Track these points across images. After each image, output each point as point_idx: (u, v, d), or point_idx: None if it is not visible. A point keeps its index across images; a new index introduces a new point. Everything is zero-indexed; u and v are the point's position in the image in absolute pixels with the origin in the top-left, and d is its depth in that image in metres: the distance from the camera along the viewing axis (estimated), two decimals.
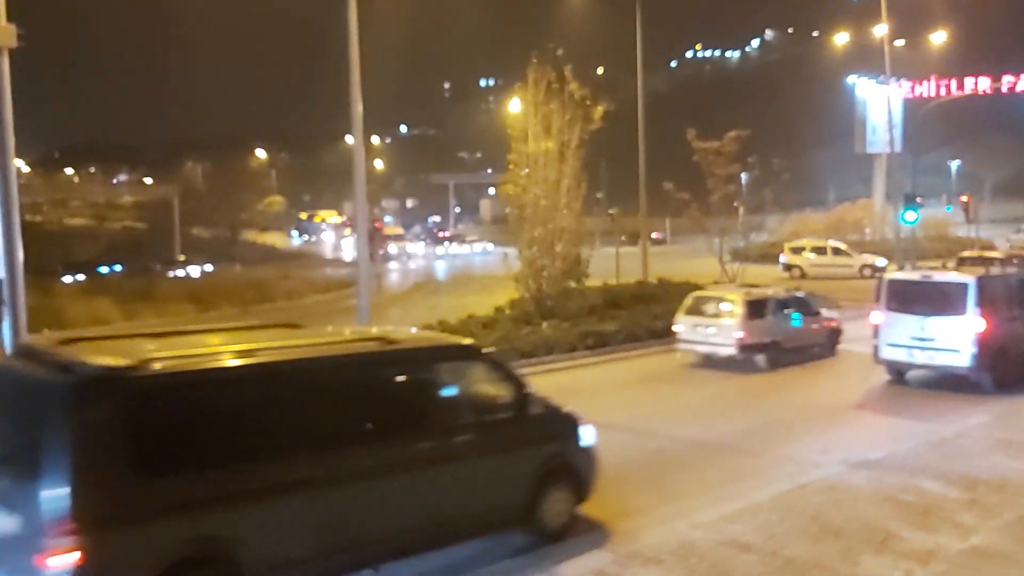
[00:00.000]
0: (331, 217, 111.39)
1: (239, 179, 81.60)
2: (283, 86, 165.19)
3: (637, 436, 13.54)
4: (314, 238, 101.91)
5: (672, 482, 11.35)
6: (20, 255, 14.54)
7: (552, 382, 14.88)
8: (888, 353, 17.34)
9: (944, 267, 24.09)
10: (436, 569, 8.73)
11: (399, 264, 67.54)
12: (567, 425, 9.73)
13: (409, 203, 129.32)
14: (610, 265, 33.04)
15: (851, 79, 70.64)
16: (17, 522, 6.95)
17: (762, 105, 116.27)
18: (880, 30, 39.72)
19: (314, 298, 42.70)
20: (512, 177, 23.96)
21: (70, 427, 6.80)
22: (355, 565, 8.07)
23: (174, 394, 7.35)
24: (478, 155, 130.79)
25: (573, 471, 9.60)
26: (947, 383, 16.98)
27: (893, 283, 17.75)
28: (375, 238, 44.96)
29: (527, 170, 23.55)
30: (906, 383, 17.70)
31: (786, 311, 20.14)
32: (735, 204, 33.71)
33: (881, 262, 43.25)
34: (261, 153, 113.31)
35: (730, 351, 19.12)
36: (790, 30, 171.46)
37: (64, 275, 49.81)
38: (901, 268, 19.33)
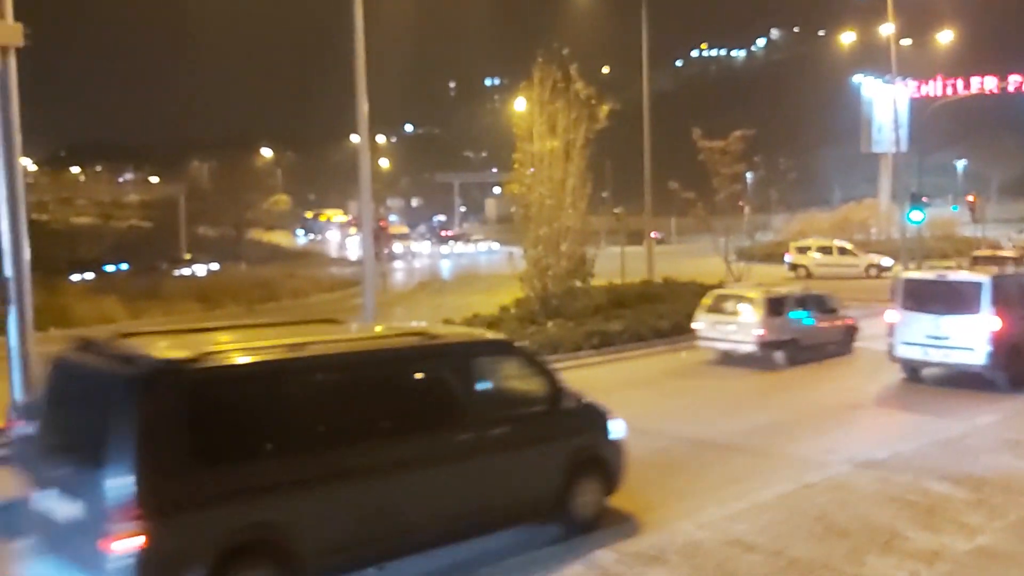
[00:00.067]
0: (336, 216, 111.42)
1: (245, 178, 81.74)
2: (289, 85, 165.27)
3: (643, 435, 13.48)
4: (319, 237, 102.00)
5: (678, 481, 11.35)
6: (27, 253, 14.54)
7: None
8: (903, 351, 17.56)
9: (958, 266, 24.18)
10: (439, 570, 8.74)
11: (404, 263, 67.56)
12: (597, 418, 10.00)
13: (414, 202, 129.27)
14: (615, 264, 33.01)
15: (857, 78, 70.57)
16: (80, 508, 7.25)
17: (768, 104, 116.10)
18: (886, 29, 39.59)
19: (319, 297, 42.76)
20: (517, 176, 23.96)
21: (136, 417, 7.08)
22: (398, 552, 8.37)
23: (231, 386, 7.70)
24: (483, 154, 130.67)
25: (603, 463, 9.86)
26: (962, 381, 17.10)
27: (908, 282, 18.05)
28: (380, 237, 44.89)
29: (532, 169, 23.55)
30: (921, 381, 17.85)
31: (801, 309, 20.39)
32: (740, 203, 33.70)
33: (887, 262, 43.19)
34: (267, 152, 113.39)
35: (750, 348, 19.55)
36: (796, 29, 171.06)
37: (72, 273, 49.95)
38: (918, 267, 19.67)
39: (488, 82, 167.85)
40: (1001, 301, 16.58)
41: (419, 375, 9.01)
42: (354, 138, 20.60)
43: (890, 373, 18.15)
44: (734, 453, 12.82)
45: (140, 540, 6.84)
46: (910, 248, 34.41)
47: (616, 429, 10.08)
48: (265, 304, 37.94)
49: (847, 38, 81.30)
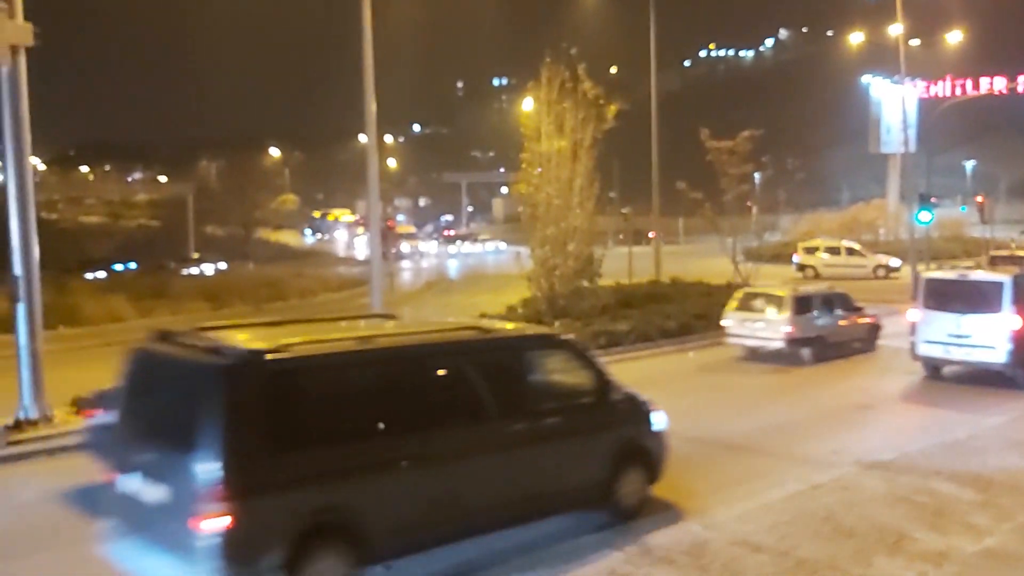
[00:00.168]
0: (344, 216, 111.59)
1: (253, 177, 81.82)
2: (297, 85, 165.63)
3: None
4: (327, 236, 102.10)
5: (685, 481, 11.31)
6: (36, 252, 14.62)
7: None
8: (925, 350, 17.82)
9: (978, 266, 24.39)
10: (446, 570, 8.76)
11: (411, 263, 67.62)
12: (641, 410, 10.35)
13: (422, 202, 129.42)
14: (623, 264, 33.01)
15: (866, 79, 70.32)
16: (166, 491, 7.61)
17: (776, 105, 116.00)
18: (895, 29, 39.56)
19: (327, 296, 42.83)
20: (525, 176, 23.95)
21: (224, 404, 7.44)
22: (455, 536, 8.68)
23: (308, 375, 8.06)
24: (491, 154, 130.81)
25: (646, 453, 10.21)
26: (982, 379, 17.31)
27: (930, 282, 18.29)
28: (388, 237, 44.97)
29: (540, 169, 23.54)
30: (941, 379, 18.10)
31: (825, 307, 20.79)
32: (748, 204, 33.66)
33: (895, 262, 43.08)
34: (275, 152, 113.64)
35: (778, 345, 20.02)
36: (804, 29, 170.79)
37: (86, 272, 50.19)
38: (938, 267, 20.12)
39: (496, 82, 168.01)
40: (1022, 300, 16.79)
41: (476, 367, 9.27)
42: (362, 138, 20.64)
43: (911, 371, 18.45)
44: (743, 453, 12.81)
45: (226, 521, 7.18)
46: (918, 249, 34.30)
47: (658, 421, 10.44)
48: (273, 303, 37.99)
49: (856, 38, 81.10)
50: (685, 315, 24.15)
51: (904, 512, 9.76)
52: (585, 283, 24.17)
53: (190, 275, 55.80)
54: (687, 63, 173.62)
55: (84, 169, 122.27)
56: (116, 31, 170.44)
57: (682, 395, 17.39)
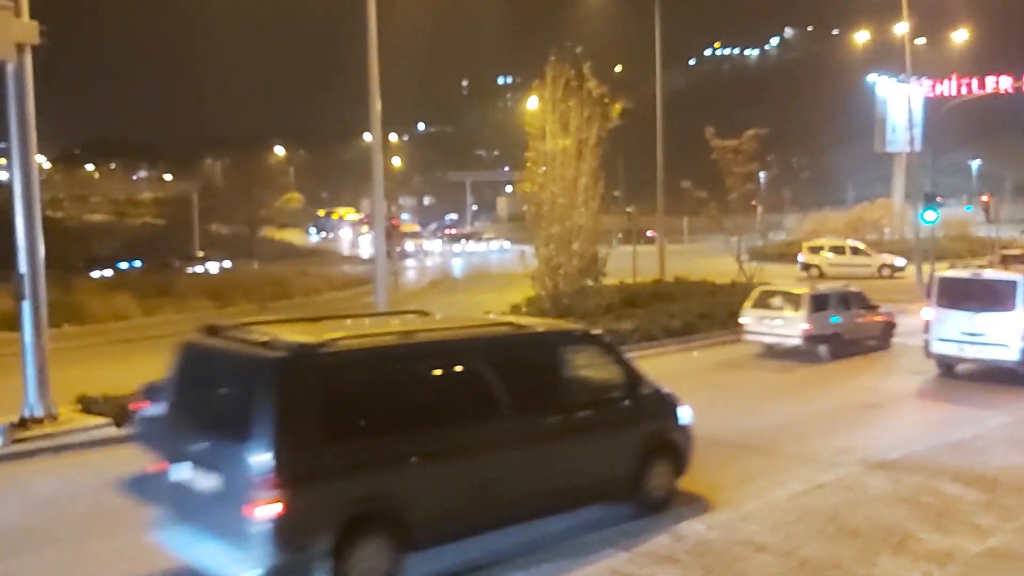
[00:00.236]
0: (349, 214, 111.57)
1: (258, 176, 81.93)
2: (302, 83, 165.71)
3: None
4: (332, 235, 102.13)
5: (689, 481, 11.29)
6: (41, 250, 14.64)
7: None
8: (939, 347, 18.07)
9: (990, 265, 24.60)
10: (449, 569, 8.77)
11: (416, 261, 67.63)
12: (669, 405, 10.61)
13: (426, 201, 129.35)
14: (627, 264, 32.97)
15: (871, 77, 70.22)
16: (219, 480, 7.88)
17: (781, 103, 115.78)
18: (901, 28, 39.47)
19: (331, 295, 42.83)
20: (529, 175, 23.94)
21: (277, 395, 7.71)
22: (492, 525, 8.94)
23: (355, 368, 8.38)
24: (495, 153, 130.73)
25: (673, 447, 10.45)
26: (995, 377, 17.52)
27: (944, 280, 18.51)
28: (392, 235, 44.93)
29: (544, 168, 23.53)
30: (951, 377, 18.29)
31: (842, 305, 21.13)
32: (753, 203, 33.58)
33: (900, 262, 43.01)
34: (280, 150, 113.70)
35: (796, 342, 20.41)
36: (810, 28, 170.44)
37: (93, 270, 50.32)
38: (952, 266, 20.64)
39: (501, 80, 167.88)
40: None
41: (511, 362, 9.50)
42: (367, 136, 20.67)
43: (917, 370, 18.67)
44: (747, 452, 12.79)
45: (278, 508, 7.42)
46: (924, 248, 34.26)
47: (685, 415, 10.67)
48: (277, 302, 37.99)
49: (861, 37, 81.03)
50: (689, 314, 24.13)
51: (909, 512, 9.75)
52: (589, 282, 24.16)
53: (195, 273, 55.89)
54: (692, 62, 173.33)
55: (89, 167, 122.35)
56: (121, 29, 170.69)
57: (687, 394, 17.31)
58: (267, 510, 7.43)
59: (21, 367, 14.42)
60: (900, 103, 57.71)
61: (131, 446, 13.82)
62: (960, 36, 61.71)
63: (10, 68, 14.22)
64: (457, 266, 64.33)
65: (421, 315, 10.78)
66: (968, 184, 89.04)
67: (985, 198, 53.64)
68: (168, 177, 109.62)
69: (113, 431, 14.20)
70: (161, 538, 8.54)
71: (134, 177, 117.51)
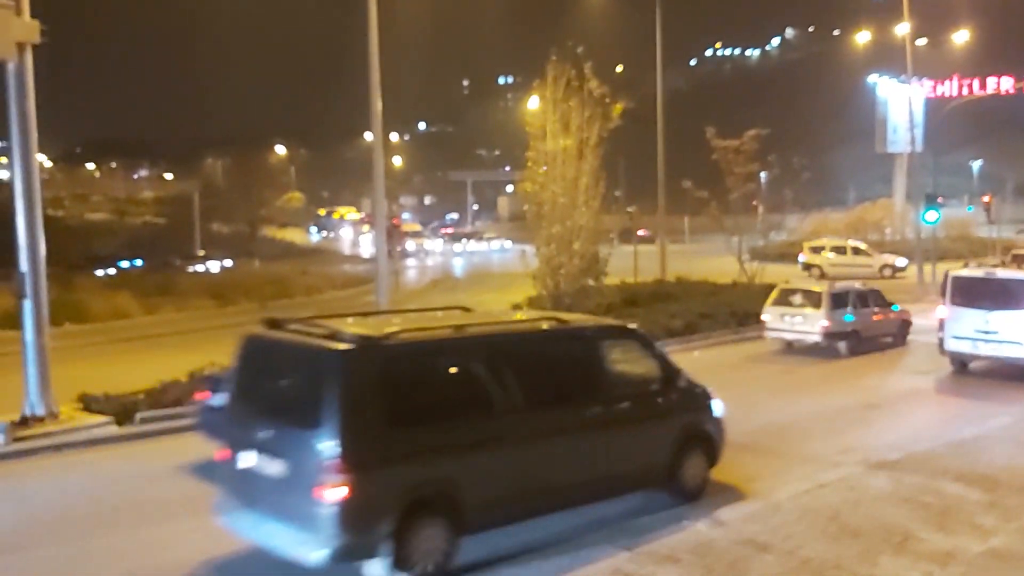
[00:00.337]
0: (350, 213, 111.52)
1: (258, 175, 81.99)
2: (303, 83, 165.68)
3: None
4: (333, 234, 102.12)
5: None
6: (42, 249, 14.65)
7: None
8: (953, 345, 18.38)
9: (1002, 264, 24.92)
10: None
11: (417, 261, 67.62)
12: (702, 397, 10.99)
13: (427, 200, 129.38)
14: (628, 263, 32.96)
15: (872, 78, 70.12)
16: (285, 466, 8.22)
17: (782, 104, 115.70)
18: (902, 29, 39.42)
19: (332, 294, 42.84)
20: (530, 175, 23.90)
21: (343, 384, 8.08)
22: (539, 512, 9.31)
23: (414, 360, 8.78)
24: (496, 152, 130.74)
25: (707, 438, 10.82)
26: (1006, 374, 17.88)
27: (958, 279, 18.72)
28: (393, 235, 44.92)
29: (545, 168, 23.49)
30: (961, 376, 18.59)
31: (860, 303, 21.57)
32: (754, 203, 33.58)
33: (901, 262, 42.98)
34: (280, 149, 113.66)
35: (815, 338, 20.93)
36: (811, 28, 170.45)
37: (96, 268, 50.40)
38: (965, 265, 21.09)
39: (501, 80, 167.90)
40: None
41: (557, 354, 9.98)
42: (368, 136, 20.66)
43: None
44: (750, 452, 12.75)
45: (344, 492, 7.77)
46: (925, 249, 34.24)
47: (718, 408, 11.01)
48: (278, 301, 37.98)
49: (862, 38, 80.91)
50: (691, 314, 24.12)
51: (910, 512, 9.74)
52: (590, 282, 24.11)
53: (196, 272, 55.93)
54: (693, 62, 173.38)
55: (90, 166, 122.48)
56: (122, 28, 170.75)
57: None
58: (334, 494, 7.76)
59: (22, 365, 14.42)
60: (901, 103, 57.67)
61: (131, 444, 13.90)
62: (961, 37, 61.62)
63: (11, 67, 14.21)
64: (458, 266, 64.31)
65: (464, 311, 11.11)
66: (969, 185, 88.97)
67: (986, 199, 53.66)
68: (169, 176, 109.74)
69: (114, 429, 14.22)
70: (226, 522, 8.85)
71: (135, 176, 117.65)
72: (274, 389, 8.99)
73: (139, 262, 58.62)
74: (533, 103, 25.38)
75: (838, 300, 21.07)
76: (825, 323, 20.73)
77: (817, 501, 10.14)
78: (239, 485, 8.80)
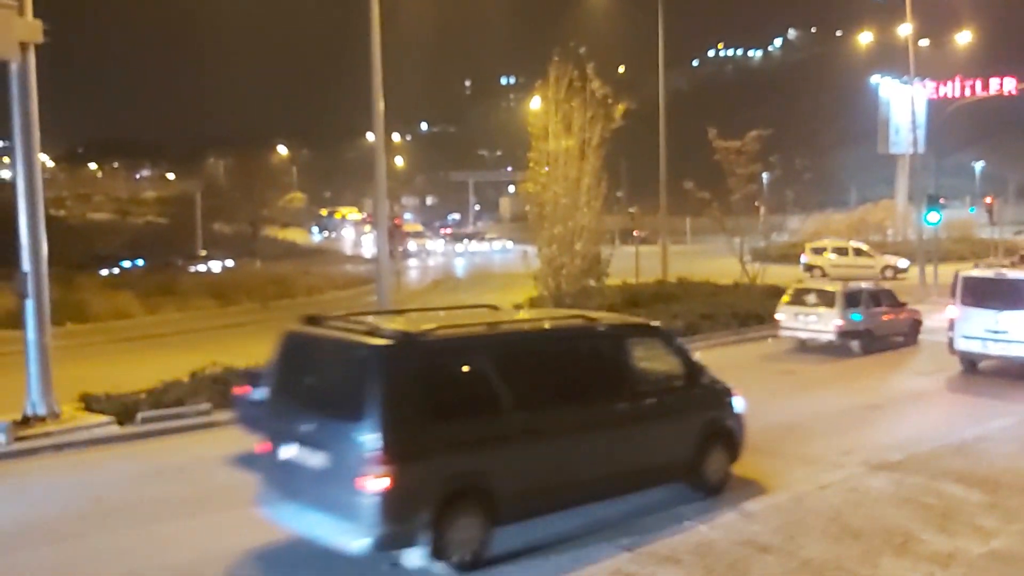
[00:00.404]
0: (351, 214, 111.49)
1: (260, 175, 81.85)
2: (305, 83, 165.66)
3: None
4: (334, 234, 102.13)
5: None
6: (44, 249, 14.66)
7: None
8: (963, 345, 18.58)
9: (1013, 265, 25.24)
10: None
11: (419, 261, 67.63)
12: (724, 394, 11.25)
13: (429, 200, 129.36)
14: (629, 264, 32.95)
15: (875, 79, 70.07)
16: (327, 458, 8.46)
17: (784, 105, 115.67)
18: (904, 30, 39.42)
19: (334, 294, 42.87)
20: (532, 175, 23.91)
21: (385, 378, 8.35)
22: (568, 504, 9.54)
23: (451, 355, 9.04)
24: (498, 153, 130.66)
25: (729, 434, 11.08)
26: (1017, 373, 18.08)
27: (968, 280, 18.88)
28: (395, 235, 44.92)
29: (547, 168, 23.49)
30: (974, 373, 18.77)
31: (872, 302, 21.98)
32: (756, 204, 33.52)
33: (903, 263, 42.92)
34: (282, 150, 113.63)
35: (829, 337, 21.32)
36: (813, 29, 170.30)
37: (101, 268, 50.46)
38: (975, 266, 21.53)
39: (504, 81, 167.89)
40: None
41: (585, 351, 10.26)
42: (369, 136, 20.65)
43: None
44: (750, 452, 12.72)
45: (385, 482, 8.01)
46: (926, 250, 34.21)
47: (739, 404, 11.27)
48: (279, 301, 38.02)
49: (865, 38, 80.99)
50: (692, 315, 24.12)
51: (911, 513, 9.74)
52: (592, 282, 24.11)
53: (198, 272, 55.97)
54: (695, 63, 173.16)
55: (93, 166, 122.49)
56: (125, 28, 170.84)
57: None
58: (376, 484, 8.00)
59: (24, 365, 14.44)
60: (903, 104, 57.59)
61: (132, 444, 13.91)
62: (964, 38, 61.54)
63: (14, 67, 14.22)
64: (460, 266, 64.31)
65: (491, 309, 11.39)
66: (971, 186, 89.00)
67: (988, 200, 53.59)
68: (171, 176, 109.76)
69: (115, 429, 14.23)
70: (268, 512, 9.08)
71: (137, 176, 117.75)
72: (315, 383, 9.24)
73: (141, 262, 58.66)
74: (535, 103, 25.38)
75: (851, 300, 21.42)
76: (839, 322, 21.09)
77: (818, 502, 10.14)
78: (280, 477, 9.01)
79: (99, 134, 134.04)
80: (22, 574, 9.09)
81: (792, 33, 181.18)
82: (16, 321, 15.47)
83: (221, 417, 14.90)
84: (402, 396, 8.34)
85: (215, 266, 59.85)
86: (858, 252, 45.05)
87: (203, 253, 65.40)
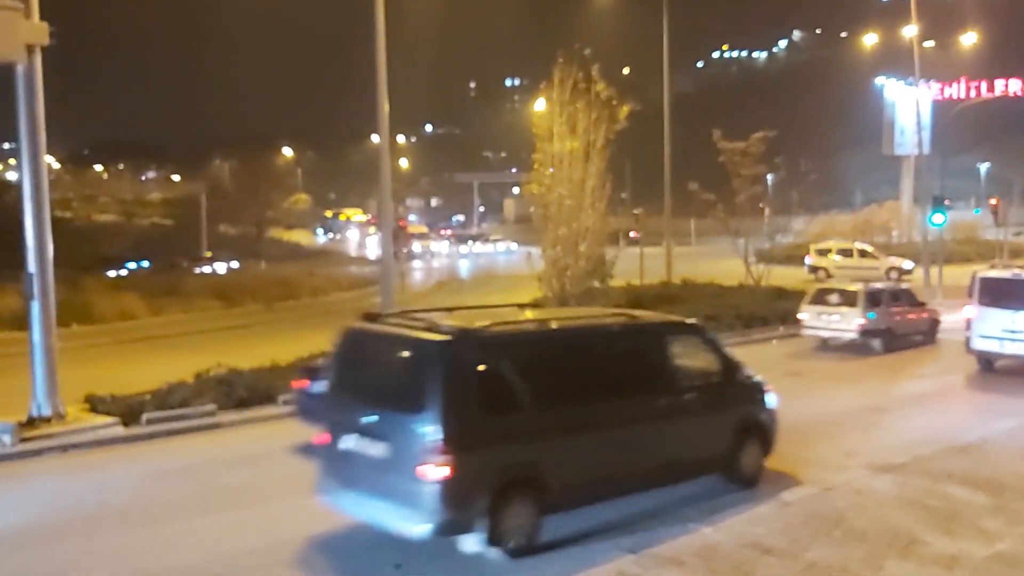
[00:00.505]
0: (356, 215, 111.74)
1: (266, 177, 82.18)
2: (310, 85, 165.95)
3: None
4: (339, 236, 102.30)
5: (694, 483, 11.29)
6: (50, 250, 14.69)
7: None
8: (980, 344, 18.85)
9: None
10: (455, 567, 8.78)
11: (423, 262, 67.68)
12: (758, 389, 11.55)
13: (434, 202, 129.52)
14: (634, 265, 32.94)
15: (880, 80, 70.06)
16: (388, 448, 8.77)
17: (789, 106, 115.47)
18: (909, 31, 39.34)
19: (338, 295, 42.95)
20: (537, 177, 23.93)
21: (445, 372, 8.67)
22: (613, 494, 9.86)
23: (505, 350, 9.35)
24: (503, 154, 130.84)
25: (763, 428, 11.38)
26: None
27: (985, 280, 19.11)
28: (400, 236, 45.04)
29: (552, 170, 23.51)
30: (994, 371, 19.01)
31: (893, 302, 22.54)
32: (761, 205, 33.52)
33: (908, 264, 42.86)
34: (288, 151, 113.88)
35: (852, 336, 21.83)
36: (818, 31, 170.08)
37: (108, 269, 50.61)
38: (992, 267, 21.70)
39: (508, 82, 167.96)
40: None
41: (630, 348, 10.58)
42: (374, 138, 20.68)
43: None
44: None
45: (445, 471, 8.32)
46: (931, 251, 34.15)
47: (772, 400, 11.54)
48: (284, 302, 38.09)
49: (869, 40, 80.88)
50: (696, 316, 23.97)
51: (916, 516, 9.72)
52: (596, 284, 24.13)
53: (203, 274, 56.13)
54: (700, 64, 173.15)
55: (98, 168, 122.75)
56: (130, 31, 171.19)
57: None
58: (437, 473, 8.31)
59: (29, 366, 14.47)
60: (909, 106, 57.52)
61: (137, 445, 13.93)
62: (969, 39, 61.51)
63: (20, 69, 14.26)
64: (464, 267, 64.34)
65: (535, 307, 11.69)
66: (977, 187, 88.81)
67: (994, 201, 53.46)
68: (176, 178, 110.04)
69: (121, 430, 14.25)
70: (329, 500, 9.41)
71: (142, 178, 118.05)
72: (375, 377, 9.58)
73: (146, 263, 58.87)
74: (540, 105, 25.41)
75: (873, 299, 21.90)
76: (861, 321, 21.56)
77: (822, 504, 10.13)
78: (340, 466, 9.30)
79: (105, 136, 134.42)
80: (28, 574, 9.11)
81: (797, 35, 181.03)
82: (22, 322, 15.51)
83: (226, 418, 14.96)
84: (460, 389, 8.67)
85: (220, 267, 60.01)
86: (863, 254, 44.99)
87: (208, 254, 65.58)
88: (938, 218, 32.79)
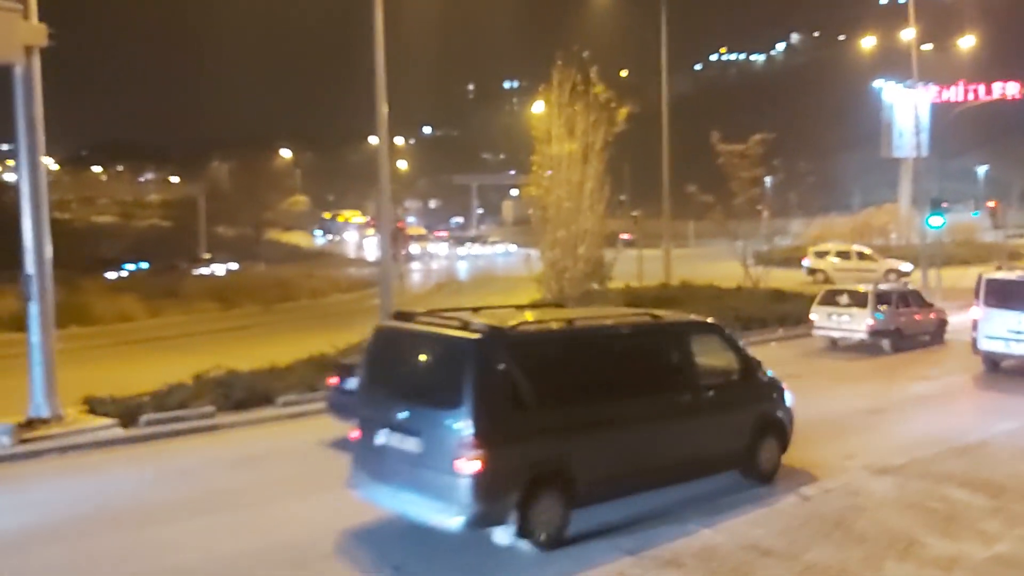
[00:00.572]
0: (355, 217, 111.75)
1: (264, 178, 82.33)
2: (308, 86, 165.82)
3: None
4: (337, 238, 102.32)
5: (693, 485, 11.29)
6: (49, 251, 14.68)
7: None
8: (986, 345, 19.09)
9: None
10: (456, 568, 8.76)
11: (422, 264, 67.68)
12: (776, 388, 11.90)
13: (432, 204, 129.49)
14: (633, 267, 32.94)
15: (878, 83, 70.09)
16: (421, 443, 9.01)
17: (787, 108, 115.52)
18: (908, 34, 39.44)
19: (337, 297, 42.93)
20: (535, 179, 23.97)
21: (477, 369, 8.89)
22: (637, 490, 10.13)
23: (534, 348, 9.58)
24: (501, 156, 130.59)
25: (780, 425, 11.69)
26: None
27: (991, 282, 19.22)
28: (398, 238, 45.09)
29: (550, 172, 23.55)
30: (1000, 372, 19.22)
31: (902, 303, 22.94)
32: (759, 207, 33.56)
33: (906, 267, 42.88)
34: (286, 153, 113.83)
35: (861, 336, 22.22)
36: (816, 33, 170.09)
37: (108, 271, 50.60)
38: (997, 268, 22.32)
39: (507, 84, 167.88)
40: None
41: (653, 346, 10.86)
42: (373, 139, 20.71)
43: (962, 364, 19.85)
44: None
45: (478, 465, 8.57)
46: (930, 254, 34.18)
47: (789, 398, 11.89)
48: (283, 304, 38.06)
49: (868, 42, 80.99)
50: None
51: (915, 517, 9.72)
52: (595, 286, 24.16)
53: (201, 275, 56.08)
54: (698, 66, 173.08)
55: (97, 169, 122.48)
56: (129, 32, 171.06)
57: None
58: (470, 467, 8.56)
59: (28, 367, 14.46)
60: (907, 108, 57.57)
61: (136, 447, 13.93)
62: (967, 42, 61.64)
63: (18, 70, 14.26)
64: (462, 269, 64.34)
65: (556, 307, 12.05)
66: (975, 190, 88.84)
67: (992, 203, 53.58)
68: (175, 179, 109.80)
69: (119, 432, 14.25)
70: (361, 494, 9.64)
71: (141, 179, 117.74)
72: (408, 374, 9.80)
73: (145, 265, 58.80)
74: (538, 107, 25.43)
75: (882, 300, 22.29)
76: (871, 322, 21.93)
77: (821, 506, 10.13)
78: (373, 461, 9.52)
79: (103, 137, 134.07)
80: None
81: (795, 37, 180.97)
82: (20, 324, 15.51)
83: (224, 420, 14.97)
84: (493, 386, 8.90)
85: (218, 269, 60.00)
86: (861, 256, 45.00)
87: (207, 256, 65.57)
88: (936, 220, 32.83)
